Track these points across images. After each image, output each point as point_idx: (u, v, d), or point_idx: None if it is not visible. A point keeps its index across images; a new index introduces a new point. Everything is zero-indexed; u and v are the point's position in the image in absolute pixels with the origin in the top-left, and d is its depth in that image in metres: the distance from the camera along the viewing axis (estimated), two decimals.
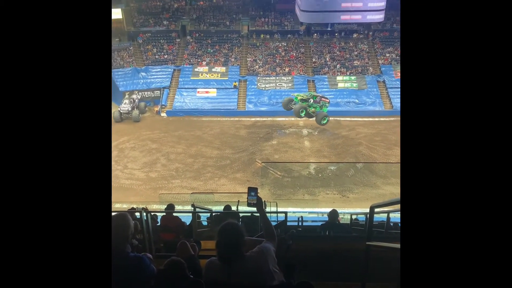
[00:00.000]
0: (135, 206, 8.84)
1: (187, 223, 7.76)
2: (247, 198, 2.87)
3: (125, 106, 28.69)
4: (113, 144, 24.71)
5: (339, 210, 8.70)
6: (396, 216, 7.78)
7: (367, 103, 30.62)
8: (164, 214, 7.69)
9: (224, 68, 33.35)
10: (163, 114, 30.20)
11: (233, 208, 9.54)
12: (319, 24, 34.93)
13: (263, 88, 31.83)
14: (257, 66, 33.56)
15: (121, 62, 33.22)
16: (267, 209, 11.73)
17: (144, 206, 6.98)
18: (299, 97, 26.59)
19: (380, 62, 33.69)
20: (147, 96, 31.71)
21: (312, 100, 26.55)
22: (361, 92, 31.39)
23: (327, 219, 8.35)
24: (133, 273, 2.48)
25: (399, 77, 29.49)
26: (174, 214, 7.66)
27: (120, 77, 32.04)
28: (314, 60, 34.09)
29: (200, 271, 2.85)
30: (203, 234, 7.28)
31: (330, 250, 4.99)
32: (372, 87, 31.79)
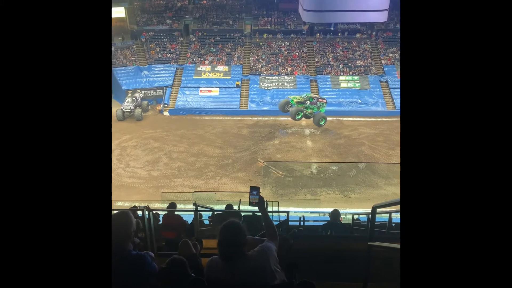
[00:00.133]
0: (137, 205, 8.85)
1: (189, 222, 7.77)
2: (249, 197, 2.87)
3: (127, 104, 28.75)
4: (116, 142, 24.77)
5: (340, 210, 8.70)
6: (398, 217, 7.77)
7: (370, 103, 30.58)
8: (166, 212, 7.70)
9: (227, 67, 33.36)
10: (166, 113, 30.24)
11: (235, 207, 9.54)
12: (322, 24, 34.86)
13: (266, 88, 31.82)
14: (260, 66, 33.55)
15: (124, 60, 33.30)
16: (269, 209, 11.73)
17: (146, 205, 6.98)
18: (295, 100, 26.66)
19: (383, 62, 33.63)
20: (149, 94, 31.79)
21: (308, 102, 26.61)
22: (363, 92, 31.35)
23: (328, 219, 8.35)
24: (135, 271, 2.49)
25: None
26: (176, 212, 7.67)
27: (123, 75, 32.12)
28: (316, 59, 34.06)
29: (202, 269, 2.86)
30: (204, 232, 7.29)
31: (331, 250, 4.99)
32: (375, 87, 31.74)
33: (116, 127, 26.26)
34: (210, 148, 24.63)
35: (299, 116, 26.55)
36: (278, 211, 11.47)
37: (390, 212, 6.86)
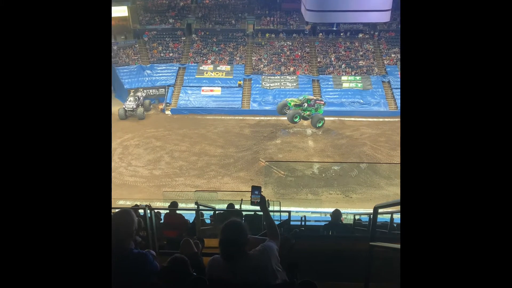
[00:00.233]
0: (138, 203, 8.87)
1: (190, 221, 7.78)
2: (251, 196, 2.87)
3: (130, 103, 28.79)
4: (118, 141, 24.81)
5: (342, 211, 8.70)
6: (399, 217, 7.74)
7: (372, 103, 30.52)
8: (168, 211, 7.71)
9: (229, 66, 33.36)
10: (168, 112, 30.26)
11: (236, 206, 9.55)
12: (325, 24, 34.80)
13: (268, 87, 31.81)
14: (262, 65, 33.54)
15: (126, 59, 33.34)
16: (270, 208, 11.73)
17: (147, 203, 7.00)
18: (292, 103, 26.72)
19: (385, 62, 33.56)
20: (152, 93, 31.82)
21: (306, 104, 26.63)
22: (366, 93, 31.29)
23: (330, 219, 8.35)
24: (136, 270, 2.49)
25: None
26: (178, 211, 7.68)
27: (125, 74, 32.16)
28: (319, 59, 34.02)
29: (203, 268, 2.86)
30: (206, 232, 7.30)
31: (333, 250, 4.99)
32: (377, 87, 31.68)
33: (118, 126, 26.31)
34: (212, 148, 24.65)
35: (297, 119, 26.68)
36: (280, 211, 11.48)
37: (391, 213, 6.85)
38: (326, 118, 27.55)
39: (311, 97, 27.80)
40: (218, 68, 33.20)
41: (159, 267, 2.65)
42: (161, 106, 30.72)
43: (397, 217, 7.56)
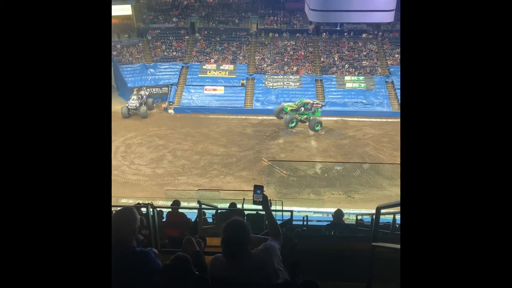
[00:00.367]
0: (141, 202, 8.89)
1: (193, 220, 7.80)
2: (253, 196, 2.87)
3: (133, 102, 28.85)
4: (121, 139, 24.88)
5: (344, 211, 8.70)
6: None
7: (375, 103, 30.46)
8: (170, 210, 7.73)
9: (232, 66, 33.38)
10: (171, 111, 30.32)
11: (239, 205, 9.56)
12: (328, 24, 34.78)
13: (271, 87, 31.80)
14: (265, 65, 33.53)
15: (130, 58, 33.40)
16: (273, 208, 11.74)
17: (150, 202, 7.01)
18: (289, 108, 26.64)
19: (388, 62, 33.47)
20: (155, 92, 31.88)
21: (303, 108, 26.55)
22: (369, 93, 31.24)
23: (332, 219, 8.35)
24: (139, 268, 2.50)
25: None
26: (180, 210, 7.70)
27: (128, 73, 32.24)
28: (322, 59, 33.98)
29: (205, 267, 2.86)
30: (208, 230, 7.30)
31: (335, 250, 4.99)
32: (381, 87, 31.61)
33: (121, 125, 26.38)
34: (215, 147, 24.67)
35: (293, 125, 26.64)
36: (282, 210, 11.48)
37: (394, 213, 6.83)
38: (329, 118, 27.50)
39: (308, 100, 27.57)
40: (221, 67, 33.22)
41: (161, 265, 2.66)
42: (164, 105, 30.78)
43: (399, 217, 7.54)
